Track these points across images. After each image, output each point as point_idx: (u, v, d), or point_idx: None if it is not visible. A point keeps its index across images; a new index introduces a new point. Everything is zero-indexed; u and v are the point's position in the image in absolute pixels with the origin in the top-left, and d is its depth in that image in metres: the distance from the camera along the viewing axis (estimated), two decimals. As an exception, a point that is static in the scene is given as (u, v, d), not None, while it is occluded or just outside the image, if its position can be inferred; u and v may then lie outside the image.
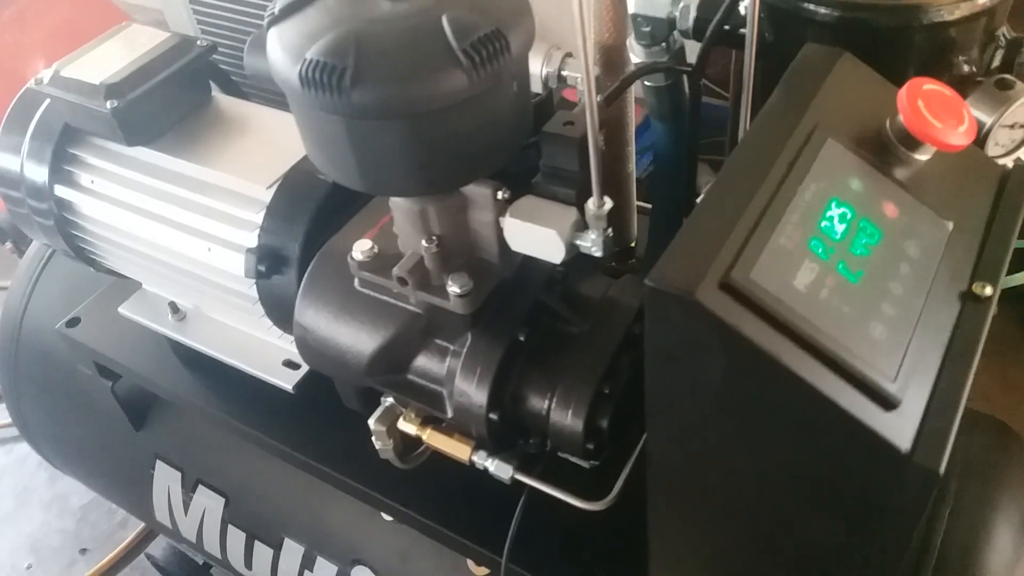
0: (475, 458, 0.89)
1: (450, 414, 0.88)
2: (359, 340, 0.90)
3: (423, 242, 0.83)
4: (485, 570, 1.16)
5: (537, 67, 0.90)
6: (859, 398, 0.52)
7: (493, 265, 0.86)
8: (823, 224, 0.58)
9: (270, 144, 1.05)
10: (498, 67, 0.66)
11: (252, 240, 0.98)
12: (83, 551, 2.24)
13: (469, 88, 0.65)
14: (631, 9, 0.89)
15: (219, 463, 1.42)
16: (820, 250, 0.57)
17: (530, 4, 0.71)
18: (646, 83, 0.97)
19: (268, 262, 0.96)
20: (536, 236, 0.77)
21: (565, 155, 0.77)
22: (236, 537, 1.43)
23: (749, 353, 0.52)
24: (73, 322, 1.36)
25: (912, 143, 0.63)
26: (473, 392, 0.85)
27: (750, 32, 0.76)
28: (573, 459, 0.96)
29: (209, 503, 1.43)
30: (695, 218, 0.57)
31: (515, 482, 0.89)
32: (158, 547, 1.88)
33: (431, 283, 0.85)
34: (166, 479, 1.48)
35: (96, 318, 1.36)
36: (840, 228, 0.58)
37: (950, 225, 0.61)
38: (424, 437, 0.91)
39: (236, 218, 0.99)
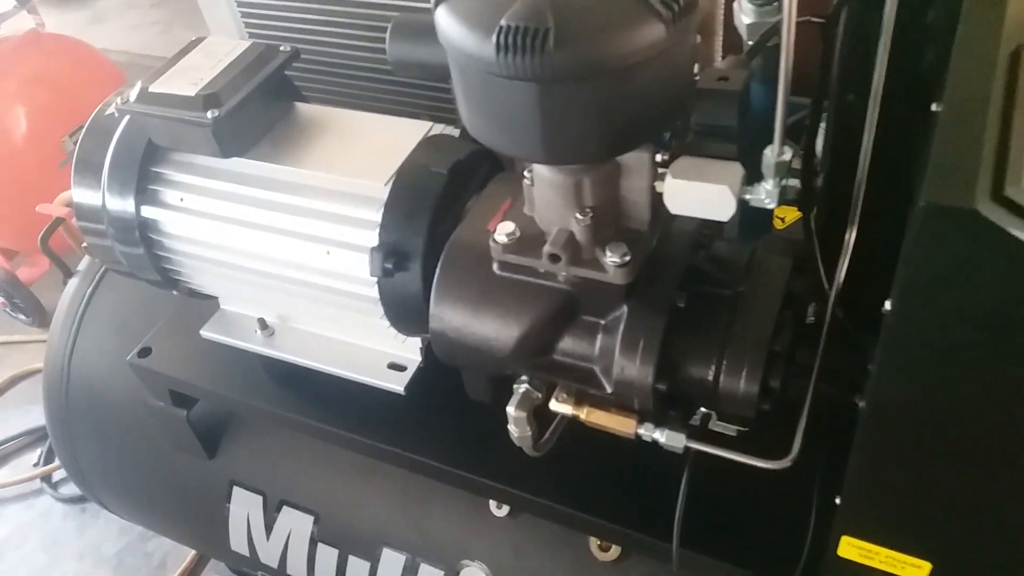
0: (641, 431, 0.88)
1: (609, 389, 0.87)
2: (504, 325, 0.89)
3: (576, 215, 0.81)
4: (614, 553, 1.14)
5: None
6: None
7: (643, 233, 0.85)
8: (1058, 134, 0.58)
9: (368, 143, 1.03)
10: (691, 18, 0.65)
11: (372, 239, 0.96)
12: (124, 597, 2.18)
13: (666, 40, 0.65)
14: (750, -33, 0.89)
15: (305, 482, 1.38)
16: (1064, 160, 0.57)
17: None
18: (752, 43, 0.97)
19: (394, 259, 0.93)
20: (703, 195, 0.76)
21: (724, 111, 0.77)
22: (327, 555, 1.39)
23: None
24: (144, 352, 1.31)
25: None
26: (637, 365, 0.84)
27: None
28: (719, 428, 0.96)
29: (295, 524, 1.39)
30: (942, 144, 0.58)
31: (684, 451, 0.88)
32: (210, 581, 1.83)
33: (583, 257, 0.83)
34: (245, 505, 1.44)
35: (168, 346, 1.32)
36: (1074, 138, 0.59)
37: None
38: (582, 416, 0.90)
39: (355, 219, 0.97)
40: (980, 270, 0.54)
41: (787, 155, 0.73)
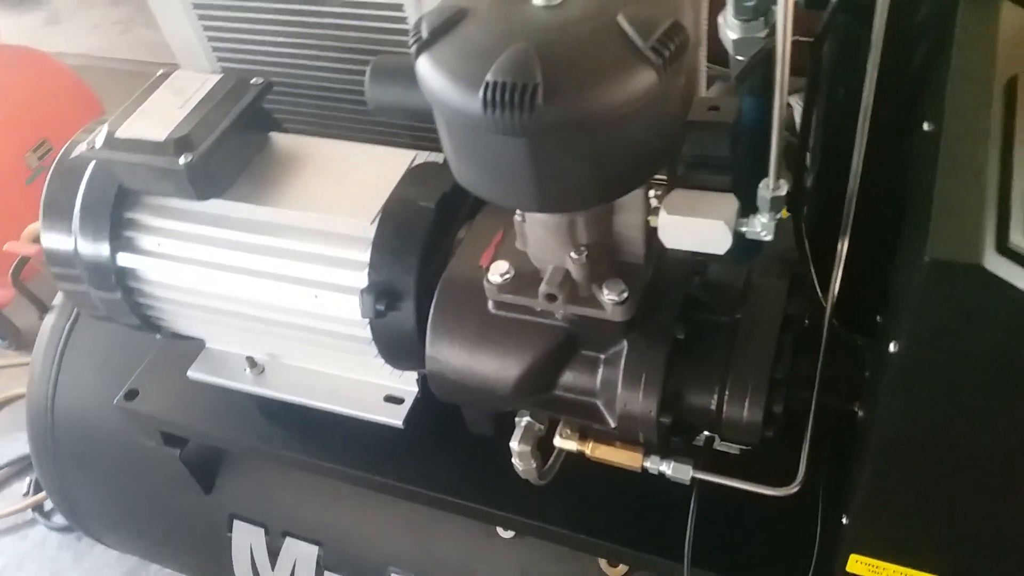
0: (647, 464, 0.87)
1: (613, 424, 0.86)
2: (504, 365, 0.87)
3: (571, 254, 0.79)
4: (622, 569, 1.14)
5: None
6: None
7: (639, 266, 0.83)
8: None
9: (350, 178, 1.00)
10: (683, 60, 0.63)
11: (361, 280, 0.93)
12: (129, 622, 2.16)
13: (659, 86, 0.62)
14: (735, -15, 0.87)
15: (307, 512, 1.37)
16: (1068, 197, 0.56)
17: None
18: (739, 58, 0.94)
19: (385, 300, 0.91)
20: (699, 230, 0.75)
21: (715, 142, 0.75)
22: (335, 581, 1.38)
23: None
24: (131, 395, 1.28)
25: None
26: (640, 399, 0.83)
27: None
28: (723, 447, 0.95)
29: (300, 553, 1.38)
30: (944, 190, 0.56)
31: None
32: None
33: (580, 295, 0.82)
34: (247, 537, 1.42)
35: (155, 386, 1.29)
36: (1071, 169, 0.58)
37: None
38: (588, 451, 0.89)
39: (342, 259, 0.94)
40: (986, 319, 0.53)
41: (782, 190, 0.71)
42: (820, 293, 1.03)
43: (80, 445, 1.54)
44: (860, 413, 0.97)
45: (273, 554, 1.40)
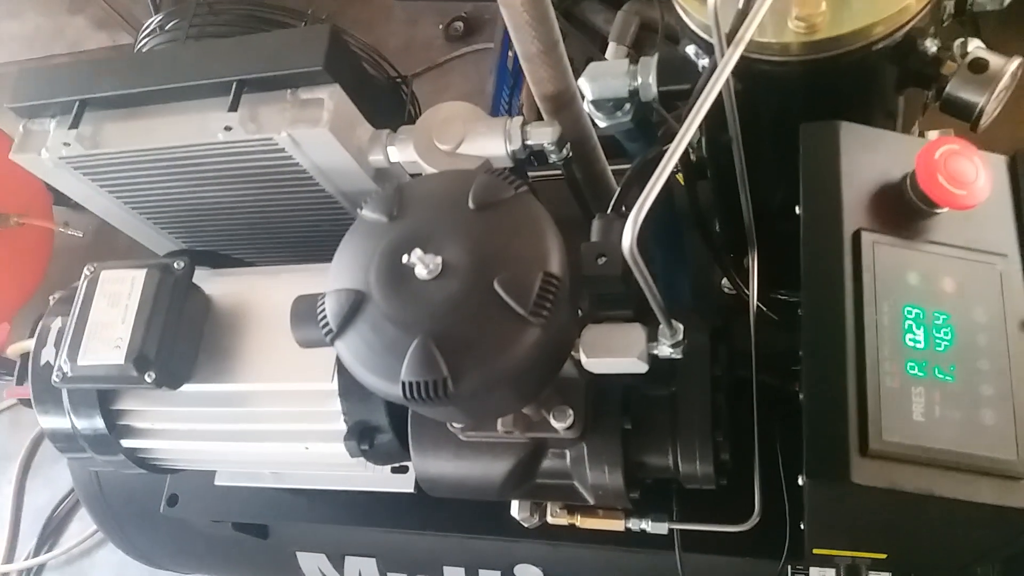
0: (629, 525, 1.01)
1: (591, 501, 0.99)
2: (485, 476, 1.00)
3: (516, 399, 0.89)
4: None
5: (501, 146, 0.93)
6: (997, 485, 0.63)
7: (575, 380, 0.93)
8: (908, 340, 0.65)
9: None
10: (561, 304, 0.70)
11: (341, 424, 1.03)
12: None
13: (547, 334, 0.69)
14: (589, 96, 0.89)
15: (358, 537, 1.55)
16: (916, 369, 0.65)
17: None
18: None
19: (367, 440, 1.02)
20: (616, 365, 0.84)
21: (610, 286, 0.81)
22: (398, 580, 1.59)
23: (907, 499, 0.62)
24: (172, 500, 1.43)
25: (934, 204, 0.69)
26: (608, 482, 0.96)
27: (728, 95, 0.78)
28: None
29: (363, 566, 1.58)
30: (812, 396, 0.65)
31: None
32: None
33: (533, 421, 0.92)
34: (313, 561, 1.62)
35: (192, 488, 1.43)
36: (919, 333, 0.66)
37: (1001, 259, 0.69)
38: (577, 523, 1.03)
39: (318, 413, 1.04)
40: (865, 510, 0.64)
41: (680, 333, 0.79)
42: (734, 275, 1.12)
43: (135, 514, 1.71)
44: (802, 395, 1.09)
45: (339, 570, 1.61)
